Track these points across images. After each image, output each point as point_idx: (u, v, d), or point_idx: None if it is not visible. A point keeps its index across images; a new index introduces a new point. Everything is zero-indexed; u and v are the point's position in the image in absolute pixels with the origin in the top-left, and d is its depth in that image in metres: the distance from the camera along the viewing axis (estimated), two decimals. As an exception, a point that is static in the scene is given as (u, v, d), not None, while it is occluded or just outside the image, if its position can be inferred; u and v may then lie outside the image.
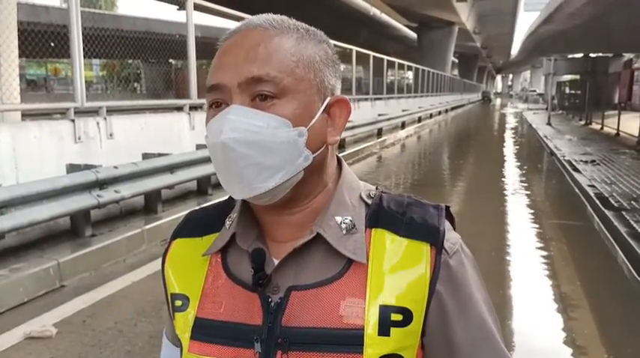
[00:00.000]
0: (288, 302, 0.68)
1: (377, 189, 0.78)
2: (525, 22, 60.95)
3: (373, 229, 0.71)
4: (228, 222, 0.76)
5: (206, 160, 6.57)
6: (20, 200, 4.40)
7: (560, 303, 4.35)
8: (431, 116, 29.15)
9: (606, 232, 6.20)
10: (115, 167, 5.31)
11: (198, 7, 7.87)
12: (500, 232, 6.69)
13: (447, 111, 36.37)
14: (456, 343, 0.70)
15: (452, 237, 0.72)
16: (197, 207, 0.85)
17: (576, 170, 10.12)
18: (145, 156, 6.21)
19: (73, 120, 5.65)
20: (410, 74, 28.90)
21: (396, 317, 0.67)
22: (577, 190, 8.80)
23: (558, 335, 3.79)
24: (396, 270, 0.69)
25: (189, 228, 0.81)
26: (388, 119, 18.34)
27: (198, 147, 7.06)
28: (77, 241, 5.06)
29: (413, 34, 46.72)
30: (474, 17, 42.64)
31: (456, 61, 71.29)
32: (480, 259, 4.23)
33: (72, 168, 5.26)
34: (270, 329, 0.68)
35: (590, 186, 8.42)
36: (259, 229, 0.74)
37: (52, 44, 6.62)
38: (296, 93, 0.67)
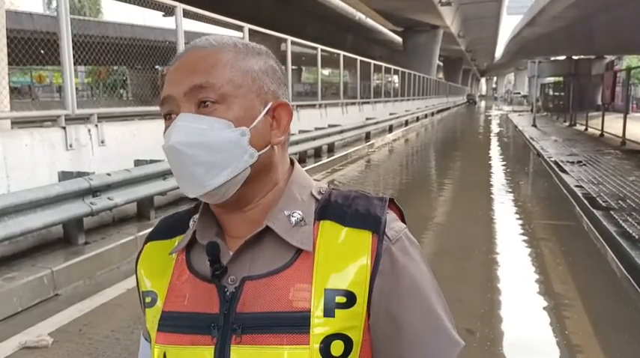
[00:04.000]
0: (243, 291, 0.74)
1: (328, 186, 0.84)
2: (508, 26, 61.59)
3: (321, 221, 0.77)
4: (192, 223, 0.83)
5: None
6: (13, 209, 4.37)
7: (552, 302, 4.40)
8: (417, 119, 29.33)
9: (595, 232, 6.28)
10: (108, 174, 5.28)
11: (187, 14, 7.86)
12: (490, 233, 6.76)
13: (433, 114, 36.60)
14: (402, 324, 0.74)
15: (395, 226, 0.78)
16: (170, 214, 0.93)
17: (563, 171, 10.25)
18: (137, 162, 6.19)
19: (64, 128, 5.62)
20: (396, 78, 29.07)
21: (340, 299, 0.72)
22: (565, 191, 8.91)
23: (553, 334, 3.84)
24: (340, 257, 0.74)
25: (161, 231, 0.88)
26: (376, 123, 18.42)
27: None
28: (70, 249, 5.03)
29: (398, 38, 46.97)
30: (459, 21, 43.00)
31: (441, 64, 71.78)
32: (471, 260, 4.28)
33: (64, 176, 5.22)
34: (226, 316, 0.73)
35: (577, 186, 8.53)
36: (219, 227, 0.81)
37: (42, 51, 6.56)
38: (235, 98, 0.74)
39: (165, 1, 7.37)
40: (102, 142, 6.07)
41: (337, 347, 0.72)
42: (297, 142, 11.09)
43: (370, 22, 43.02)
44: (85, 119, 6.17)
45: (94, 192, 5.09)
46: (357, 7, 36.08)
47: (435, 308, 0.76)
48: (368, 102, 20.81)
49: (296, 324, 0.71)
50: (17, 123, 7.42)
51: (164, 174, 6.11)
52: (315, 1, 31.99)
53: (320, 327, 0.71)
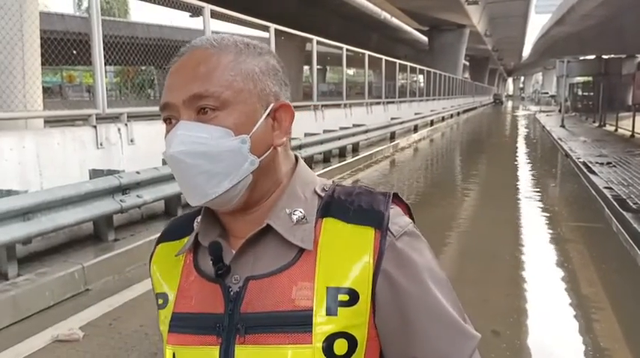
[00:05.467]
0: (246, 290, 0.74)
1: (333, 182, 0.83)
2: (536, 24, 60.70)
3: (324, 218, 0.76)
4: (195, 224, 0.83)
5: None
6: (46, 205, 4.47)
7: (581, 306, 4.34)
8: (443, 119, 29.10)
9: (625, 234, 6.16)
10: (137, 172, 5.37)
11: (214, 15, 7.95)
12: (516, 235, 6.68)
13: (458, 114, 36.27)
14: (409, 320, 0.73)
15: (400, 221, 0.76)
16: (179, 215, 0.93)
17: (592, 172, 10.06)
18: (165, 161, 6.28)
19: (95, 127, 5.73)
20: (421, 77, 28.89)
21: (343, 297, 0.72)
22: (594, 192, 8.75)
23: (580, 336, 3.79)
24: (342, 254, 0.73)
25: (170, 232, 0.89)
26: (401, 122, 18.33)
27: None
28: (100, 245, 5.14)
29: (423, 38, 46.69)
30: (485, 20, 42.52)
31: (467, 63, 71.08)
32: (497, 262, 4.23)
33: (95, 174, 5.34)
34: (230, 316, 0.74)
35: (606, 188, 8.37)
36: (222, 228, 0.81)
37: (75, 52, 6.70)
38: (236, 104, 0.73)
39: (194, 2, 7.46)
40: (131, 141, 6.18)
41: (340, 345, 0.71)
42: (321, 142, 11.12)
43: (395, 21, 42.82)
44: (114, 118, 6.28)
45: (123, 189, 5.19)
46: (382, 6, 35.94)
47: (442, 302, 0.74)
48: (393, 102, 20.73)
49: (298, 323, 0.71)
50: (48, 122, 7.59)
51: (191, 173, 6.18)
52: (340, 0, 31.98)
53: (322, 326, 0.71)
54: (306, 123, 11.59)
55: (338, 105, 14.80)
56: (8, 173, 4.85)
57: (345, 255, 0.73)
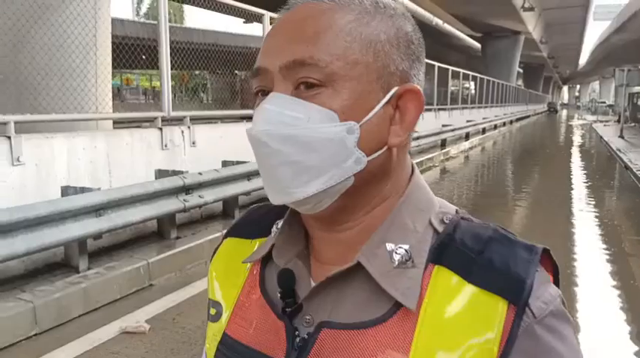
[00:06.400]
0: (317, 341, 0.57)
1: (457, 212, 0.62)
2: (595, 32, 58.89)
3: (436, 266, 0.56)
4: (274, 230, 0.67)
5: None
6: (116, 203, 4.70)
7: (644, 322, 4.23)
8: (495, 127, 28.58)
9: (691, 251, 5.95)
10: (200, 173, 5.58)
11: (273, 22, 8.13)
12: (574, 248, 6.52)
13: (511, 122, 35.55)
14: None
15: (545, 295, 0.54)
16: (262, 203, 0.73)
17: (655, 185, 9.72)
18: (225, 163, 6.47)
19: (160, 129, 5.98)
20: (474, 84, 28.50)
21: None
22: (656, 206, 8.46)
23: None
24: (455, 328, 0.53)
25: (244, 226, 0.72)
26: (452, 130, 18.15)
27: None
28: (163, 243, 5.35)
29: (475, 44, 45.99)
30: (541, 26, 41.55)
31: (521, 70, 69.58)
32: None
33: (161, 174, 5.57)
34: None
35: (671, 202, 8.07)
36: (306, 243, 0.64)
37: (144, 57, 6.99)
38: (347, 81, 0.55)
39: (255, 9, 7.66)
40: (193, 143, 6.40)
41: None
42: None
43: (447, 27, 42.38)
44: (178, 121, 6.52)
45: (187, 189, 5.39)
46: (434, 12, 35.67)
47: None
48: (444, 109, 20.53)
49: None
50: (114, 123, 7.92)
51: (249, 175, 6.36)
52: (392, 6, 31.94)
53: None
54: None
55: (389, 112, 14.77)
56: (81, 171, 5.12)
57: (459, 330, 0.52)
